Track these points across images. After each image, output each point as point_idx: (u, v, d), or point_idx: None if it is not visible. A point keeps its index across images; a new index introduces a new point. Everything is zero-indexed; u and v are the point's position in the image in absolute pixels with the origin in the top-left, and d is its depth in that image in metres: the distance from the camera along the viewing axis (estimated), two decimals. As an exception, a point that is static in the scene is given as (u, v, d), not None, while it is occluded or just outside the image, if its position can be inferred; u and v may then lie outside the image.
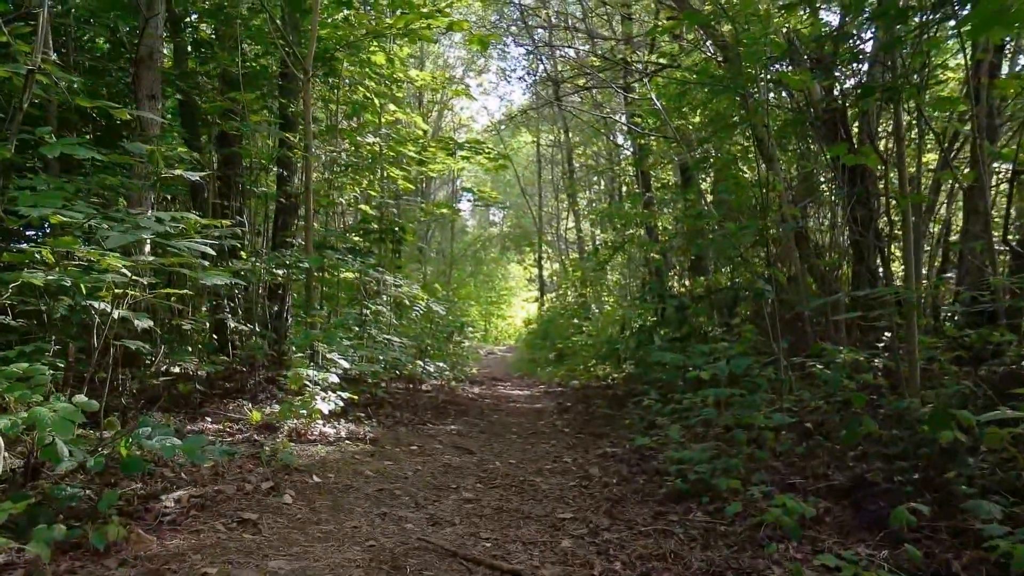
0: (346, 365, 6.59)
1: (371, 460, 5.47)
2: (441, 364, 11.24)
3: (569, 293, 17.46)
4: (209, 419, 6.20)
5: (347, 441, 5.98)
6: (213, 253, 3.93)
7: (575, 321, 15.61)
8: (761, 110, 8.07)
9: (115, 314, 4.35)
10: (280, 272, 7.54)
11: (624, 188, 17.38)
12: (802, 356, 6.68)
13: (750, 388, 6.25)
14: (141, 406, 6.59)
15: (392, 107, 12.42)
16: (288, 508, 4.03)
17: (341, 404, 6.43)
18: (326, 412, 6.19)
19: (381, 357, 8.07)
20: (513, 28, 19.85)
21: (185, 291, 4.50)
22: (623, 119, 15.21)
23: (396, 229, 9.25)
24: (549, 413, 9.45)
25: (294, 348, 7.15)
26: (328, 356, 6.59)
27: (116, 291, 4.34)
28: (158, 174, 4.91)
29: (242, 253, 7.80)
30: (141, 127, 6.78)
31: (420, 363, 10.34)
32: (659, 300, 8.79)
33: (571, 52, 17.31)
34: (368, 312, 9.02)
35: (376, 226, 9.45)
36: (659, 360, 7.93)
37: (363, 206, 9.96)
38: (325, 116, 11.65)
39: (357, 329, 8.31)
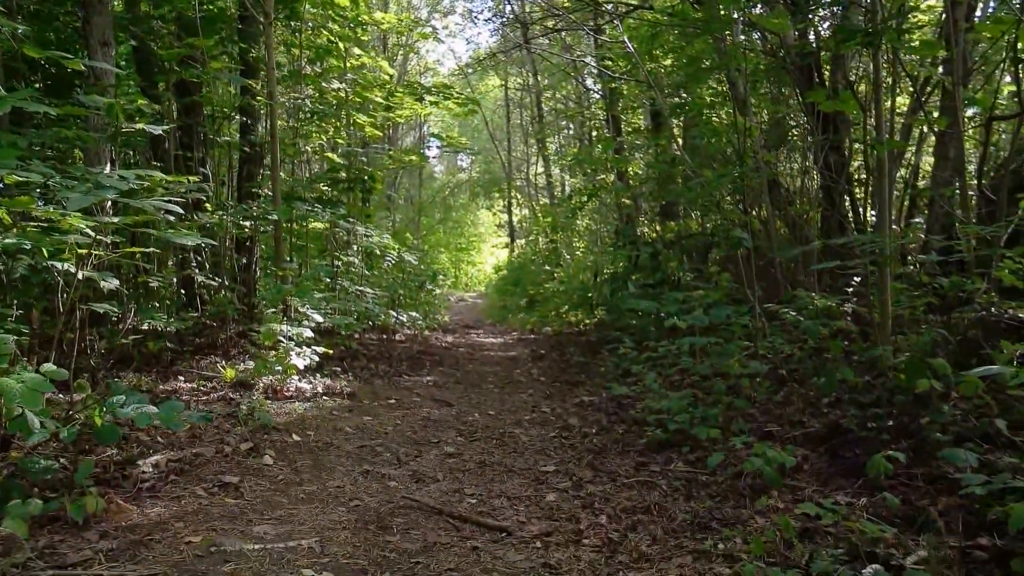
0: (319, 319, 6.48)
1: (349, 416, 5.42)
2: (414, 314, 11.17)
3: (540, 239, 17.38)
4: (182, 378, 6.07)
5: (324, 397, 5.91)
6: (181, 212, 3.76)
7: (547, 268, 15.55)
8: (737, 53, 7.95)
9: (80, 275, 4.17)
10: (247, 224, 7.33)
11: (594, 133, 17.18)
12: (774, 303, 6.74)
13: (726, 336, 6.29)
14: (110, 366, 6.43)
15: (357, 51, 12.04)
16: (269, 469, 3.97)
17: (316, 359, 6.34)
18: (301, 367, 6.10)
19: (354, 309, 7.96)
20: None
21: (151, 248, 4.32)
22: (593, 62, 14.93)
23: (365, 178, 9.03)
24: (524, 361, 9.47)
25: (265, 303, 7.00)
26: (300, 310, 6.46)
27: (80, 251, 4.15)
28: (117, 127, 4.65)
29: (207, 206, 7.56)
30: (95, 77, 6.44)
31: (393, 313, 10.26)
32: (632, 247, 8.74)
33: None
34: (339, 264, 8.86)
35: (344, 175, 9.20)
36: (633, 307, 7.95)
37: (330, 154, 9.69)
38: (288, 62, 11.23)
39: (328, 281, 8.17)
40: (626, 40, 9.54)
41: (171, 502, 3.33)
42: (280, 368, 6.04)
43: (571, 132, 19.59)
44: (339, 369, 7.13)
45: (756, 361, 5.45)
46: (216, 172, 10.00)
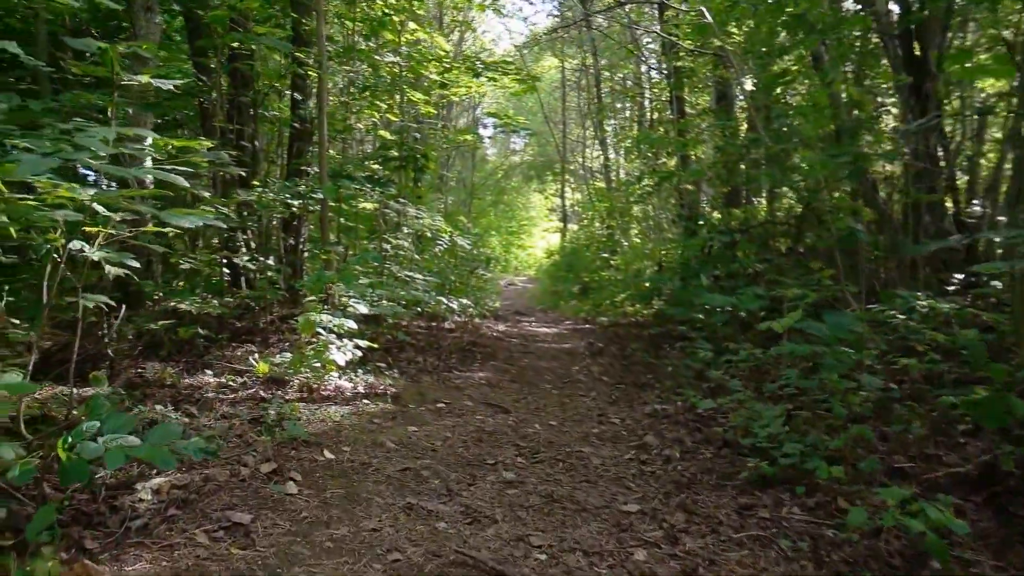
0: (364, 310, 5.69)
1: (392, 425, 4.62)
2: (465, 300, 10.36)
3: (596, 223, 16.39)
4: (210, 372, 5.36)
5: (365, 399, 5.13)
6: (184, 183, 2.96)
7: (604, 255, 14.58)
8: (827, 22, 6.89)
9: (92, 255, 3.42)
10: (295, 203, 6.58)
11: (654, 115, 16.06)
12: (873, 303, 5.73)
13: (827, 342, 5.30)
14: (138, 353, 5.77)
15: (413, 26, 11.23)
16: (292, 501, 3.18)
17: (359, 353, 5.56)
18: (342, 364, 5.32)
19: (402, 295, 7.17)
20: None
21: (167, 229, 3.57)
22: (656, 41, 13.83)
23: (418, 156, 8.21)
24: (582, 356, 8.58)
25: (306, 291, 6.24)
26: (344, 298, 5.69)
27: (89, 229, 3.41)
28: (115, 80, 3.85)
29: (254, 183, 6.83)
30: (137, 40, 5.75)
31: (444, 300, 9.47)
32: (705, 234, 7.75)
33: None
34: (388, 247, 8.08)
35: (396, 153, 8.39)
36: (709, 302, 6.98)
37: (382, 132, 8.89)
38: (341, 35, 10.45)
39: (376, 266, 7.39)
40: (703, 9, 8.47)
41: (161, 553, 2.56)
42: (318, 363, 5.29)
43: (630, 115, 18.48)
44: (384, 364, 6.35)
45: (871, 375, 4.47)
46: (267, 148, 9.32)
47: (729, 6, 9.58)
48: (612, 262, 14.37)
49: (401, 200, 7.83)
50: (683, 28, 9.91)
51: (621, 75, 17.02)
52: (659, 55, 14.53)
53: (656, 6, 14.64)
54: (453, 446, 4.29)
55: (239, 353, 6.01)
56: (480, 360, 7.83)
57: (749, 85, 8.78)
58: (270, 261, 7.06)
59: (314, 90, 8.72)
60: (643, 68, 15.73)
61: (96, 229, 3.38)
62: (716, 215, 12.62)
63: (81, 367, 4.40)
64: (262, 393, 4.92)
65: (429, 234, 9.50)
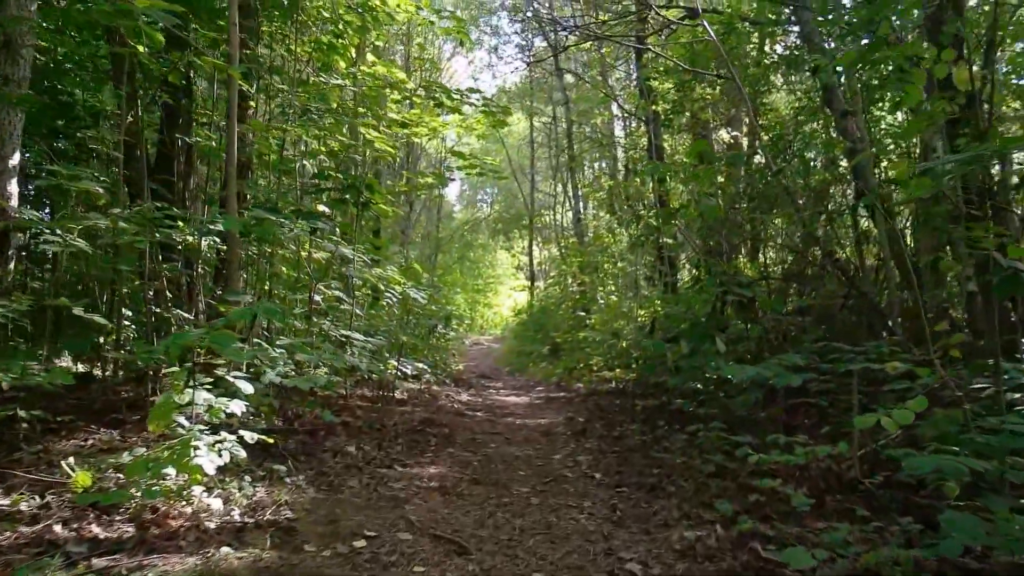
0: (248, 388, 3.68)
1: (265, 596, 2.58)
2: (420, 364, 8.36)
3: (569, 279, 14.62)
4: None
5: (233, 544, 3.04)
6: None
7: (579, 313, 12.75)
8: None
9: None
10: (173, 232, 4.60)
11: (630, 165, 14.53)
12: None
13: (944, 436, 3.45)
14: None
15: (371, 58, 9.53)
16: None
17: (240, 452, 3.53)
18: (210, 471, 3.29)
19: (329, 359, 5.18)
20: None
21: None
22: (635, 80, 12.37)
23: (360, 187, 6.31)
24: (563, 438, 6.60)
25: (157, 359, 4.20)
26: (221, 373, 3.68)
27: None
28: None
29: (110, 206, 4.85)
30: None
31: (393, 364, 7.46)
32: (720, 287, 5.92)
33: (573, 19, 14.36)
34: (320, 298, 6.10)
35: (329, 184, 6.48)
36: (733, 375, 5.11)
37: (312, 160, 7.00)
38: (288, 64, 8.63)
39: (297, 323, 5.40)
40: (705, 24, 6.86)
41: None
42: (171, 471, 3.25)
43: (604, 167, 16.96)
44: (287, 463, 4.30)
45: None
46: (193, 185, 7.38)
47: (725, 33, 8.09)
48: (587, 321, 12.52)
49: (336, 238, 5.88)
50: (677, 50, 8.31)
51: (594, 123, 15.52)
52: (636, 100, 13.05)
53: (633, 52, 13.26)
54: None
55: (71, 446, 3.94)
56: (435, 446, 5.81)
57: (752, 113, 7.15)
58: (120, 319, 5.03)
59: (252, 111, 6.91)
60: (617, 113, 14.22)
61: None
62: (693, 269, 10.98)
63: None
64: (58, 530, 2.86)
65: (380, 285, 7.54)
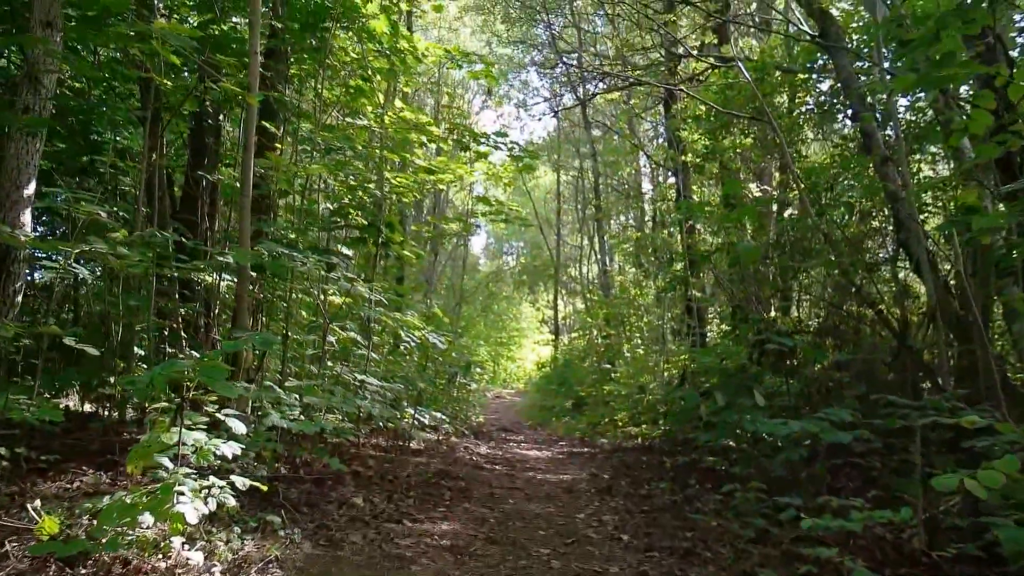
0: (241, 428, 3.32)
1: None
2: (438, 414, 7.95)
3: (594, 331, 14.18)
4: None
5: None
6: None
7: (605, 366, 12.28)
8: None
9: None
10: (202, 268, 4.34)
11: (655, 218, 14.23)
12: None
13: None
14: None
15: (399, 104, 9.43)
16: None
17: (231, 500, 3.16)
18: (193, 521, 2.91)
19: (338, 404, 4.82)
20: (535, 54, 16.93)
21: None
22: (663, 130, 12.18)
23: (380, 226, 6.04)
24: (586, 495, 6.11)
25: (139, 395, 3.88)
26: (211, 410, 3.33)
27: None
28: None
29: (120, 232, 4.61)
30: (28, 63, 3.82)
31: (411, 412, 7.07)
32: (757, 336, 5.49)
33: (601, 69, 14.32)
34: (333, 339, 5.78)
35: (343, 221, 6.23)
36: (773, 431, 4.64)
37: (343, 200, 6.77)
38: (313, 109, 8.57)
39: (313, 368, 5.07)
40: (740, 66, 6.61)
41: None
42: (149, 520, 2.88)
43: (631, 219, 16.69)
44: (292, 510, 3.91)
45: None
46: (216, 224, 7.25)
47: (758, 79, 7.84)
48: (613, 375, 12.02)
49: (351, 276, 5.59)
50: (708, 96, 8.06)
51: (621, 175, 15.32)
52: (664, 151, 12.83)
53: (662, 102, 13.12)
54: None
55: (54, 488, 3.59)
56: (449, 500, 5.36)
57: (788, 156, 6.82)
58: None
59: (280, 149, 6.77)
60: (644, 166, 14.00)
61: None
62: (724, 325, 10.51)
63: None
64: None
65: (400, 331, 7.20)
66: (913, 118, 7.32)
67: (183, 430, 3.19)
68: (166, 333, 5.41)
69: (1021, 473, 2.46)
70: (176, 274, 5.20)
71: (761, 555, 3.92)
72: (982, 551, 3.46)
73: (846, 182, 7.04)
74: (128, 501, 2.96)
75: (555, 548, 4.24)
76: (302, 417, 4.83)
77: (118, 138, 7.52)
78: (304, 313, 6.61)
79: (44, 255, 4.23)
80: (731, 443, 6.33)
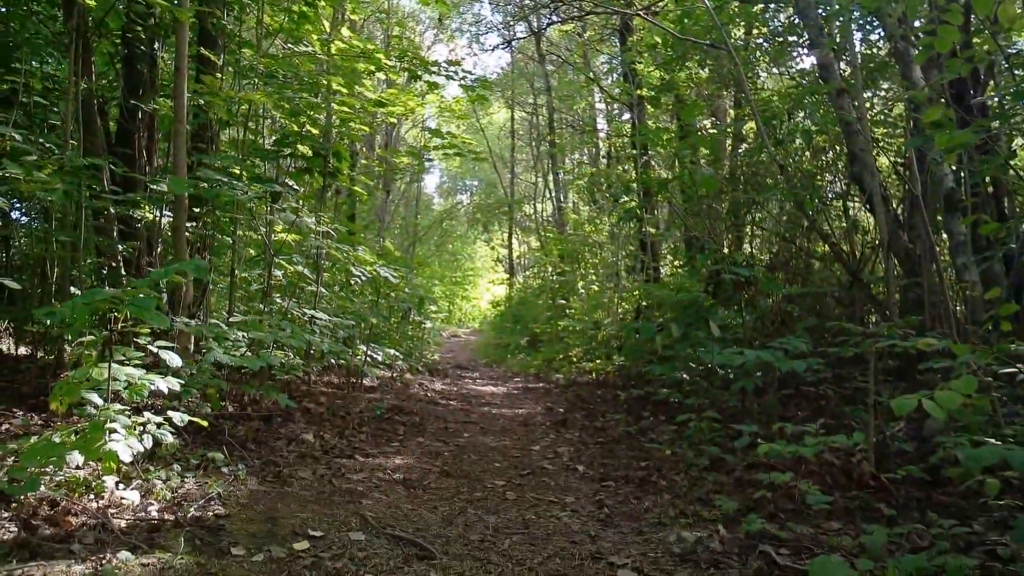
0: (177, 361, 3.10)
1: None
2: (392, 351, 7.79)
3: (549, 269, 14.07)
4: None
5: (140, 548, 2.46)
6: None
7: (561, 302, 12.23)
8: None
9: None
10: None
11: (610, 154, 14.01)
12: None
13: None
14: None
15: (346, 32, 8.89)
16: None
17: (168, 437, 2.96)
18: (126, 459, 2.71)
19: (287, 339, 4.61)
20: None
21: None
22: (619, 64, 11.84)
23: (326, 154, 5.70)
24: (541, 428, 6.08)
25: (60, 326, 3.60)
26: (144, 343, 3.09)
27: None
28: None
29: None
30: None
31: (364, 348, 6.88)
32: (712, 267, 5.42)
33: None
34: (280, 273, 5.52)
35: (287, 151, 5.87)
36: (727, 362, 4.62)
37: (283, 118, 6.35)
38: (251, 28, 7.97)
39: (259, 305, 4.82)
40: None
41: None
42: (78, 459, 2.67)
43: (584, 157, 16.46)
44: (238, 447, 3.73)
45: None
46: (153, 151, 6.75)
47: (717, 7, 7.59)
48: (567, 311, 11.99)
49: (296, 207, 5.28)
50: (667, 20, 7.79)
51: (576, 110, 14.99)
52: (620, 85, 12.53)
53: (618, 34, 12.75)
54: None
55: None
56: (403, 435, 5.26)
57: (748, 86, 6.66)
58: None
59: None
60: (599, 101, 13.70)
61: None
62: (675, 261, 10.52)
63: None
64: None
65: (347, 263, 6.93)
66: (869, 52, 7.23)
67: (115, 365, 2.95)
68: (104, 272, 5.08)
69: (979, 394, 2.44)
70: (112, 208, 4.83)
71: (715, 482, 3.92)
72: (927, 474, 3.51)
73: (802, 113, 6.94)
74: (56, 440, 2.75)
75: (510, 480, 4.18)
76: (248, 354, 4.61)
77: (43, 66, 6.90)
78: (252, 251, 6.28)
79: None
80: (685, 376, 6.36)
